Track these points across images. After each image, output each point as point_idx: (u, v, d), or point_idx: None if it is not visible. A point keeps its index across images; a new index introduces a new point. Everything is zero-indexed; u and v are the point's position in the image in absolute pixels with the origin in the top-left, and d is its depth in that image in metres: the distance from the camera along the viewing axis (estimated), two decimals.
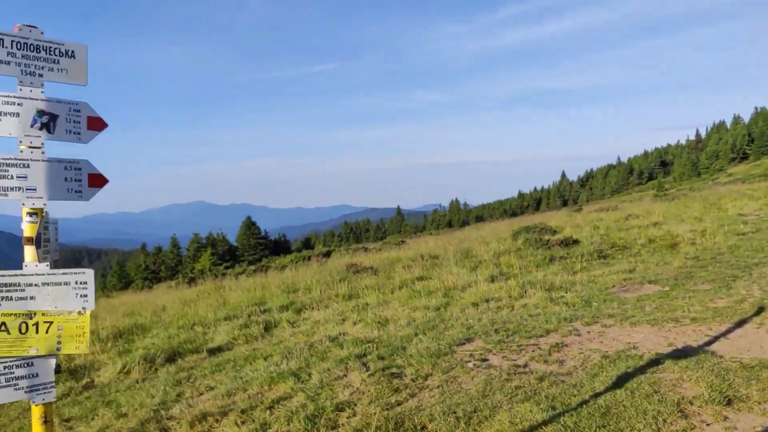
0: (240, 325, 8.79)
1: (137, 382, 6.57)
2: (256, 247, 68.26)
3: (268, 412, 4.73)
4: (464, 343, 5.85)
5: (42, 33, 2.14)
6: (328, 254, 22.96)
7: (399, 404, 4.49)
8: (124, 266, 64.94)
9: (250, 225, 70.46)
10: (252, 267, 25.16)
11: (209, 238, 70.82)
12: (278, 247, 72.90)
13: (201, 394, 5.65)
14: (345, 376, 5.32)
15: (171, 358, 7.46)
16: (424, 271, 11.69)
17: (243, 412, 4.78)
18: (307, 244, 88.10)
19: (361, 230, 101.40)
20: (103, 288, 52.92)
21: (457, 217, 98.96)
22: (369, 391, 4.86)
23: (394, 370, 5.27)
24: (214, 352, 7.65)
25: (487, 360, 5.29)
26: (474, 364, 5.18)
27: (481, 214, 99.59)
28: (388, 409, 4.37)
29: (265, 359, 6.47)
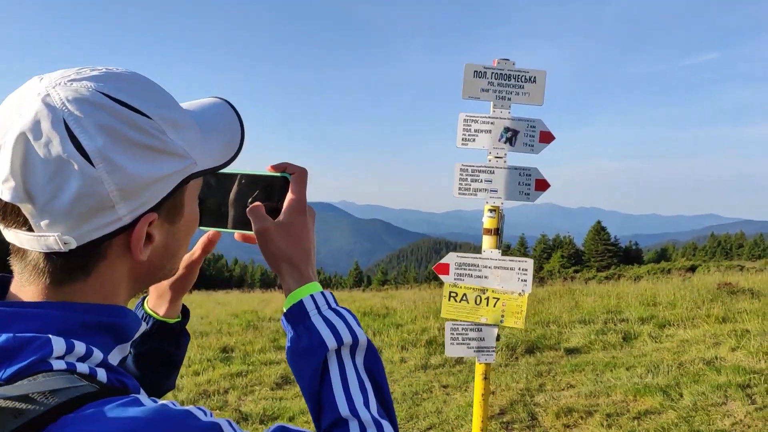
0: (596, 331, 8.74)
1: (500, 366, 7.19)
2: (604, 253, 65.66)
3: (635, 422, 4.68)
4: None
5: (513, 64, 2.65)
6: (692, 269, 20.70)
7: None
8: None
9: (599, 230, 68.16)
10: (602, 273, 24.42)
11: (556, 240, 71.17)
12: (628, 255, 68.67)
13: (562, 390, 5.89)
14: (724, 404, 4.86)
15: (530, 350, 7.91)
16: None
17: (608, 416, 4.83)
18: (663, 255, 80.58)
19: (733, 245, 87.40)
20: None
21: None
22: (756, 425, 4.35)
23: None
24: (570, 351, 7.80)
25: None
26: None
27: None
28: None
29: (627, 369, 6.34)
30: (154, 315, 0.99)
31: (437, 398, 5.96)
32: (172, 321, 1.00)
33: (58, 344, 0.57)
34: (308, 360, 0.79)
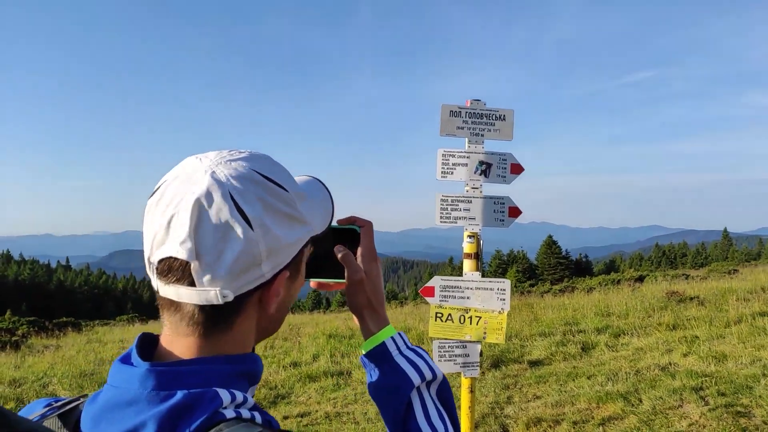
0: (556, 342, 9.06)
1: None
2: (557, 266, 67.34)
3: (600, 428, 4.93)
4: None
5: (485, 104, 2.88)
6: (640, 279, 21.54)
7: None
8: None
9: (551, 244, 69.94)
10: (556, 286, 25.09)
11: (510, 255, 72.60)
12: (579, 267, 70.63)
13: (529, 401, 6.11)
14: (680, 407, 5.18)
15: (495, 364, 8.14)
16: (767, 306, 10.22)
17: (575, 423, 5.07)
18: (611, 266, 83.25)
19: (676, 254, 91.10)
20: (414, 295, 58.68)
21: None
22: (710, 425, 4.66)
23: (739, 408, 4.92)
24: (534, 364, 8.07)
25: None
26: None
27: None
28: None
29: (588, 378, 6.63)
30: None
31: None
32: None
33: (225, 396, 0.67)
34: (395, 396, 0.90)
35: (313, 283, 0.99)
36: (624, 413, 5.15)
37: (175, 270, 0.70)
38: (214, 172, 0.71)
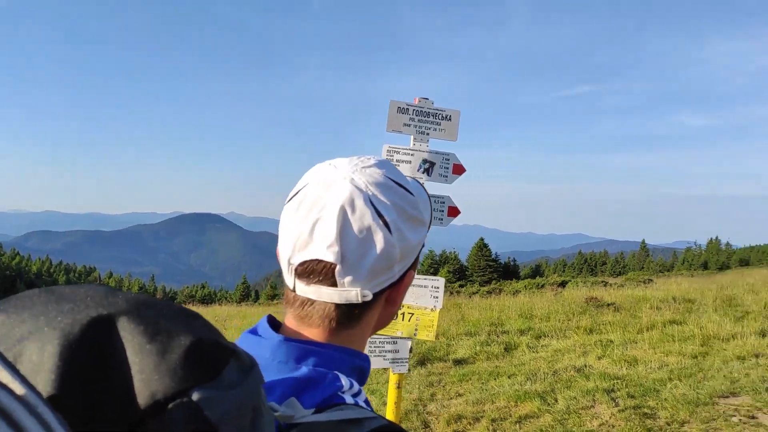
0: (481, 342, 9.31)
1: None
2: (486, 268, 69.08)
3: (517, 425, 5.11)
4: (728, 397, 5.49)
5: (432, 103, 2.91)
6: (563, 284, 22.47)
7: None
8: None
9: (482, 247, 71.66)
10: (485, 288, 25.79)
11: (443, 255, 73.88)
12: (507, 271, 72.69)
13: (451, 398, 6.26)
14: (592, 407, 5.44)
15: (421, 362, 8.27)
16: (677, 314, 10.89)
17: (493, 421, 5.23)
18: (537, 271, 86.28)
19: (597, 262, 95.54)
20: None
21: (716, 258, 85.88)
22: (619, 425, 4.92)
23: (646, 410, 5.22)
24: (458, 362, 8.26)
25: (756, 418, 4.93)
26: (739, 419, 4.87)
27: (747, 258, 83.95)
28: None
29: (508, 377, 6.85)
30: None
31: None
32: None
33: (345, 381, 0.72)
34: None
35: None
36: (540, 412, 5.36)
37: (318, 272, 0.74)
38: (353, 179, 0.76)
